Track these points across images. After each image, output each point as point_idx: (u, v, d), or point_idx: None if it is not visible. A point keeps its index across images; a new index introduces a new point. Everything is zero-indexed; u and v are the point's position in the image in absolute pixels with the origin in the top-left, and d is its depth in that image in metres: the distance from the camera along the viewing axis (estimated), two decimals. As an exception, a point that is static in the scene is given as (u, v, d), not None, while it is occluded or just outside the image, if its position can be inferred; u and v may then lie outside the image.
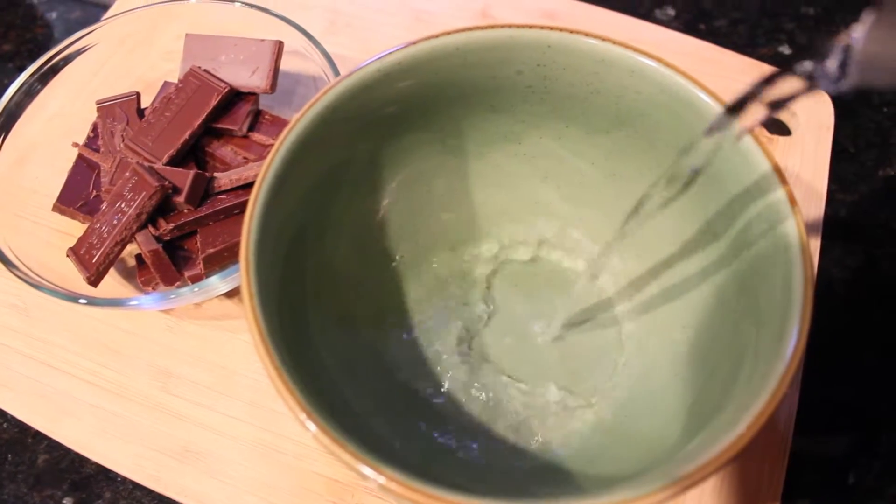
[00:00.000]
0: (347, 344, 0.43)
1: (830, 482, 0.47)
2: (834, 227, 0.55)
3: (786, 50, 0.65)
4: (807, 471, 0.46)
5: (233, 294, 0.50)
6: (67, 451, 0.47)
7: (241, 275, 0.33)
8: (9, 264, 0.45)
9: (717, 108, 0.37)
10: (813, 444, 0.47)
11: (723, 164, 0.37)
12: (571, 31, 0.39)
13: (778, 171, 0.35)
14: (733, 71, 0.59)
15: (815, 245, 0.51)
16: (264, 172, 0.36)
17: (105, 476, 0.47)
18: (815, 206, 0.53)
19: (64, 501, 0.47)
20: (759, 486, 0.43)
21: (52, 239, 0.51)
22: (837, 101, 0.57)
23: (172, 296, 0.44)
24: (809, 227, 0.51)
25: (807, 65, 0.27)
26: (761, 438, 0.44)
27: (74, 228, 0.51)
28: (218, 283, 0.44)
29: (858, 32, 0.25)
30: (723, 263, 0.39)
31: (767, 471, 0.44)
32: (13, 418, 0.48)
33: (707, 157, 0.33)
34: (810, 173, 0.54)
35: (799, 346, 0.31)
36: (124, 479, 0.47)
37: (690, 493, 0.43)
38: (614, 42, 0.39)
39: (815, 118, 0.57)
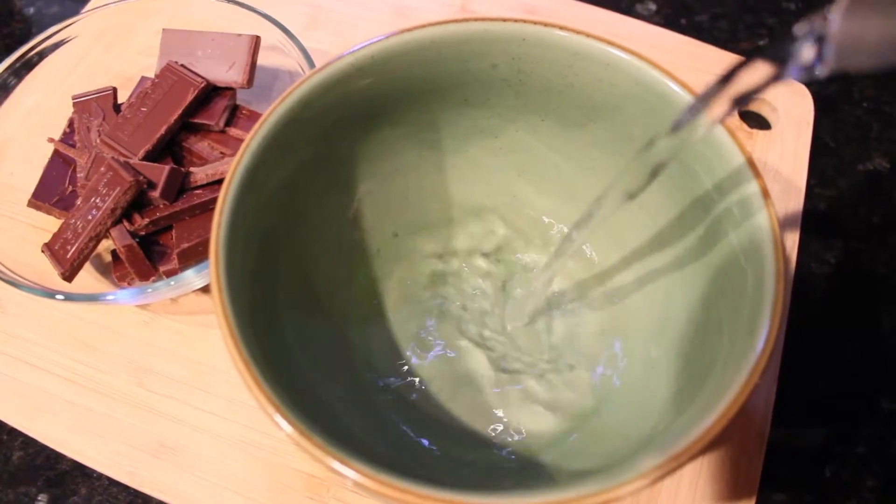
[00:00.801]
0: (320, 338, 0.42)
1: (807, 475, 0.47)
2: (813, 222, 0.55)
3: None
4: (783, 464, 0.46)
5: (209, 289, 0.50)
6: (43, 447, 0.47)
7: (211, 268, 0.33)
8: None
9: (691, 101, 0.37)
10: (790, 437, 0.47)
11: (695, 155, 0.37)
12: (546, 25, 0.39)
13: (751, 163, 0.35)
14: (714, 65, 0.59)
15: (794, 239, 0.51)
16: (235, 166, 0.35)
17: (81, 472, 0.47)
18: (794, 200, 0.53)
19: (39, 498, 0.46)
20: (735, 479, 0.43)
21: (28, 235, 0.51)
22: (817, 95, 0.57)
23: (149, 290, 0.44)
24: (788, 221, 0.51)
25: (780, 49, 0.27)
26: (738, 431, 0.45)
27: (50, 224, 0.50)
28: (193, 278, 0.44)
29: (834, 14, 0.25)
30: (697, 255, 0.39)
31: (745, 463, 0.44)
32: (-12, 415, 0.48)
33: (675, 149, 0.32)
34: (790, 167, 0.54)
35: (770, 338, 0.31)
36: (100, 476, 0.47)
37: (667, 485, 0.43)
38: (588, 35, 0.39)
39: (794, 112, 0.57)
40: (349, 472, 0.28)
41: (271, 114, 0.37)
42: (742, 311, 0.34)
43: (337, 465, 0.28)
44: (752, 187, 0.35)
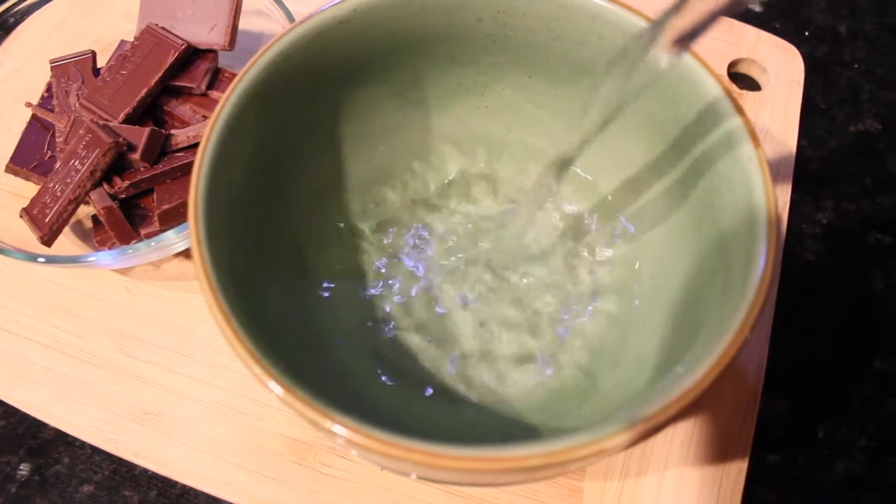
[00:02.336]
0: (302, 298, 0.42)
1: (799, 436, 0.46)
2: (804, 183, 0.54)
3: (756, 7, 0.64)
4: (776, 425, 0.46)
5: (191, 254, 0.49)
6: (24, 416, 0.46)
7: (191, 227, 0.32)
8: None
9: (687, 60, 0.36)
10: (782, 397, 0.47)
11: (669, 90, 0.37)
12: (530, -24, 0.39)
13: (730, 96, 0.35)
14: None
15: (785, 200, 0.50)
16: (214, 120, 0.34)
17: (63, 441, 0.46)
18: (784, 161, 0.52)
19: (21, 468, 0.46)
20: (728, 439, 0.43)
21: (6, 201, 0.50)
22: (808, 57, 0.57)
23: (129, 251, 0.43)
24: (779, 183, 0.51)
25: None
26: (731, 391, 0.44)
27: (28, 190, 0.49)
28: (175, 239, 0.43)
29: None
30: (684, 202, 0.39)
31: (737, 424, 0.43)
32: (-33, 384, 0.47)
33: (634, 79, 0.31)
34: (780, 128, 0.53)
35: (763, 285, 0.30)
36: (83, 444, 0.46)
37: (659, 446, 0.43)
38: (573, -15, 0.38)
39: (784, 73, 0.56)
40: (342, 430, 0.28)
41: (251, 67, 0.36)
42: (734, 258, 0.33)
43: (331, 425, 0.28)
44: (735, 121, 0.34)
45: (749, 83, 0.57)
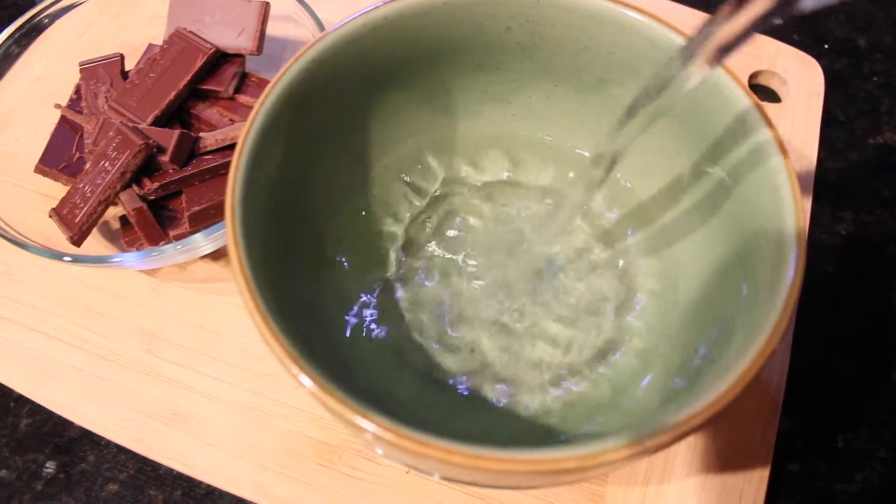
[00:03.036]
0: (325, 294, 0.42)
1: (820, 446, 0.46)
2: (823, 195, 0.55)
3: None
4: (797, 434, 0.46)
5: (218, 256, 0.50)
6: (50, 414, 0.47)
7: (227, 226, 0.32)
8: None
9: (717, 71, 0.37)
10: (803, 407, 0.47)
11: (700, 103, 0.37)
12: (561, -14, 0.39)
13: (759, 108, 0.35)
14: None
15: (805, 212, 0.51)
16: (250, 123, 0.35)
17: (89, 440, 0.47)
18: (804, 173, 0.52)
19: (47, 465, 0.46)
20: (749, 447, 0.43)
21: (34, 201, 0.50)
22: (827, 69, 0.57)
23: (155, 253, 0.43)
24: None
25: None
26: (753, 400, 0.44)
27: (57, 191, 0.50)
28: (202, 241, 0.44)
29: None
30: (713, 205, 0.39)
31: (759, 432, 0.44)
32: (-5, 382, 0.48)
33: (670, 95, 0.32)
34: (800, 140, 0.54)
35: (792, 294, 0.31)
36: (108, 443, 0.46)
37: (681, 454, 0.43)
38: (605, -4, 0.39)
39: (805, 86, 0.56)
40: (370, 426, 0.28)
41: (286, 72, 0.37)
42: (761, 269, 0.34)
43: (360, 421, 0.28)
44: (764, 134, 0.35)
45: (769, 95, 0.57)
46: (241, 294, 0.31)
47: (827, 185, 0.55)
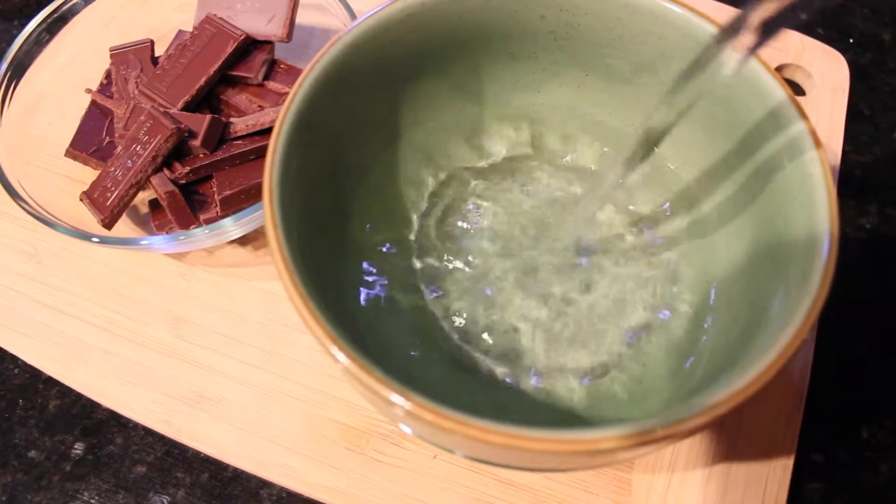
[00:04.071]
0: (353, 277, 0.42)
1: (844, 436, 0.47)
2: (848, 188, 0.55)
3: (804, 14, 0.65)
4: (821, 424, 0.46)
5: (246, 242, 0.50)
6: (79, 396, 0.47)
7: (265, 207, 0.33)
8: (21, 200, 0.45)
9: (750, 62, 0.37)
10: (827, 398, 0.47)
11: (734, 92, 0.37)
12: (596, -25, 0.39)
13: (794, 100, 0.35)
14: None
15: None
16: (287, 105, 0.35)
17: (117, 422, 0.47)
18: (830, 166, 0.52)
19: (75, 447, 0.46)
20: (774, 436, 0.43)
21: (63, 185, 0.51)
22: (852, 63, 0.57)
23: (183, 237, 0.44)
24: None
25: None
26: (777, 390, 0.45)
27: (86, 175, 0.50)
28: (231, 226, 0.44)
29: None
30: (748, 195, 0.39)
31: (783, 421, 0.44)
32: (24, 364, 0.48)
33: (705, 84, 0.32)
34: (825, 134, 0.54)
35: (824, 284, 0.31)
36: (136, 425, 0.47)
37: (707, 440, 0.43)
38: (639, -14, 0.39)
39: (830, 79, 0.56)
40: (406, 405, 0.28)
41: (324, 55, 0.37)
42: (794, 258, 0.34)
43: (396, 398, 0.28)
44: (799, 126, 0.35)
45: (794, 89, 0.57)
46: (280, 275, 0.31)
47: (852, 179, 0.55)
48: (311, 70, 0.36)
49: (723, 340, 0.38)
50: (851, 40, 0.63)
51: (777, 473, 0.43)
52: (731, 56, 0.30)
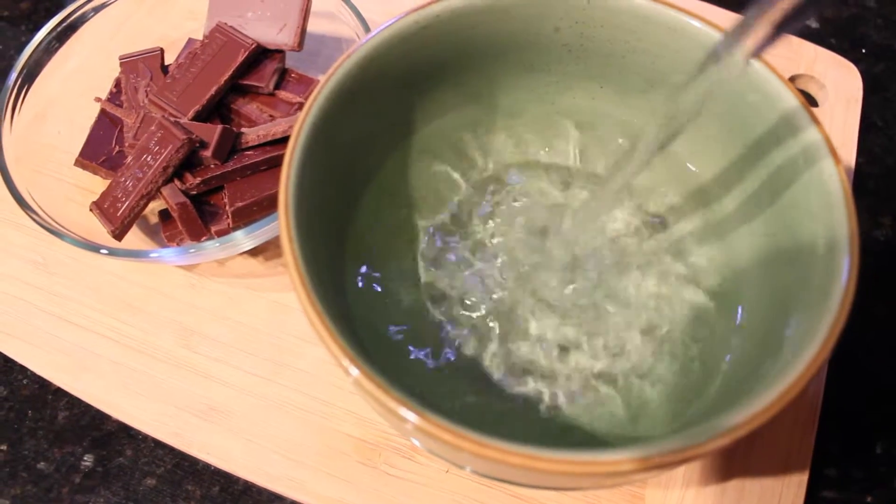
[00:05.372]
0: (362, 286, 0.42)
1: (857, 452, 0.46)
2: (861, 200, 0.54)
3: (813, 23, 0.65)
4: (834, 440, 0.46)
5: (256, 252, 0.50)
6: (88, 407, 0.47)
7: (280, 218, 0.33)
8: (30, 210, 0.45)
9: (761, 70, 0.36)
10: (840, 414, 0.47)
11: (748, 99, 0.37)
12: (611, -12, 0.39)
13: (806, 107, 0.35)
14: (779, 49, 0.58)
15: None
16: (304, 117, 0.35)
17: (126, 434, 0.47)
18: (843, 177, 0.52)
19: (85, 458, 0.46)
20: (789, 452, 0.43)
21: (72, 194, 0.50)
22: (865, 74, 0.57)
23: (192, 250, 0.43)
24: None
25: None
26: (792, 405, 0.44)
27: (95, 185, 0.50)
28: (243, 239, 0.44)
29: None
30: (760, 205, 0.39)
31: (797, 438, 0.43)
32: (33, 374, 0.48)
33: (712, 86, 0.32)
34: (838, 144, 0.53)
35: (846, 298, 0.31)
36: (146, 437, 0.47)
37: (720, 456, 0.43)
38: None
39: (843, 90, 0.56)
40: (413, 418, 0.28)
41: (339, 67, 0.37)
42: (813, 270, 0.34)
43: (406, 413, 0.28)
44: (812, 132, 0.35)
45: (807, 99, 0.57)
46: (296, 288, 0.31)
47: (865, 190, 0.55)
48: (326, 83, 0.36)
49: (743, 357, 0.38)
50: (864, 50, 0.63)
51: (791, 489, 0.42)
52: (738, 57, 0.30)
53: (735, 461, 0.43)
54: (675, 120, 0.34)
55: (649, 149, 0.36)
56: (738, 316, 0.40)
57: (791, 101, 0.36)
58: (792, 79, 0.57)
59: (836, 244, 0.33)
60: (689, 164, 0.44)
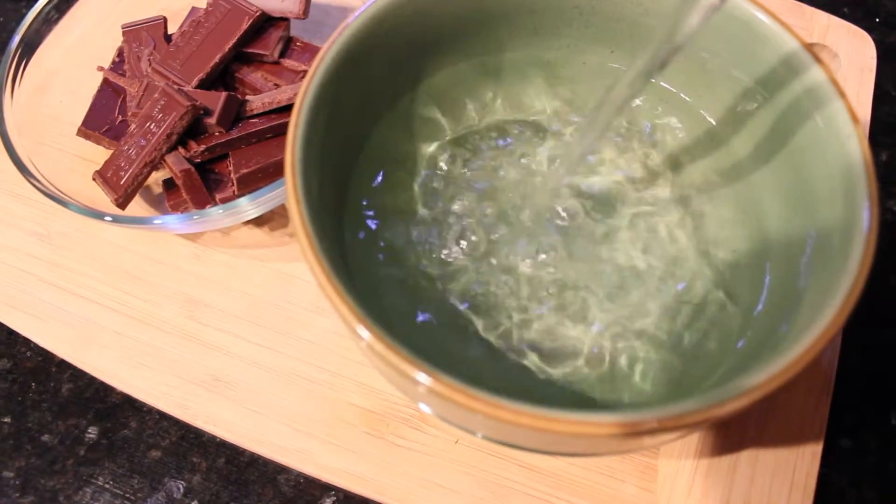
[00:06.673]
0: (363, 250, 0.41)
1: (872, 422, 0.46)
2: (875, 169, 0.53)
3: None
4: (848, 410, 0.46)
5: (262, 222, 0.49)
6: (92, 379, 0.46)
7: (287, 182, 0.32)
8: (32, 178, 0.44)
9: (781, 33, 0.36)
10: (854, 385, 0.46)
11: (743, 40, 0.37)
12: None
13: (808, 48, 0.35)
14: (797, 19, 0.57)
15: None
16: (309, 79, 0.34)
17: (130, 405, 0.46)
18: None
19: (89, 431, 0.46)
20: (802, 423, 0.42)
21: (74, 165, 0.50)
22: (879, 43, 0.56)
23: (197, 216, 0.43)
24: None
25: None
26: (806, 375, 0.43)
27: (98, 155, 0.49)
28: (247, 206, 0.43)
29: None
30: (770, 154, 0.39)
31: (811, 408, 0.43)
32: (37, 346, 0.47)
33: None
34: (851, 114, 0.53)
35: (863, 271, 0.30)
36: (150, 409, 0.46)
37: (734, 427, 0.42)
38: (668, -43, 0.38)
39: (857, 60, 0.55)
40: (428, 381, 0.27)
41: (344, 30, 0.36)
42: (830, 224, 0.33)
43: (421, 377, 0.28)
44: (818, 74, 0.34)
45: (819, 68, 0.56)
46: (304, 253, 0.30)
47: (877, 162, 0.54)
48: (332, 45, 0.35)
49: (747, 320, 0.37)
50: (878, 19, 0.62)
51: (805, 460, 0.42)
52: None
53: (748, 432, 0.42)
54: (665, 46, 0.33)
55: (638, 76, 0.35)
56: (766, 276, 0.39)
57: (788, 40, 0.36)
58: (804, 48, 0.56)
59: (855, 202, 0.32)
60: (703, 112, 0.43)
